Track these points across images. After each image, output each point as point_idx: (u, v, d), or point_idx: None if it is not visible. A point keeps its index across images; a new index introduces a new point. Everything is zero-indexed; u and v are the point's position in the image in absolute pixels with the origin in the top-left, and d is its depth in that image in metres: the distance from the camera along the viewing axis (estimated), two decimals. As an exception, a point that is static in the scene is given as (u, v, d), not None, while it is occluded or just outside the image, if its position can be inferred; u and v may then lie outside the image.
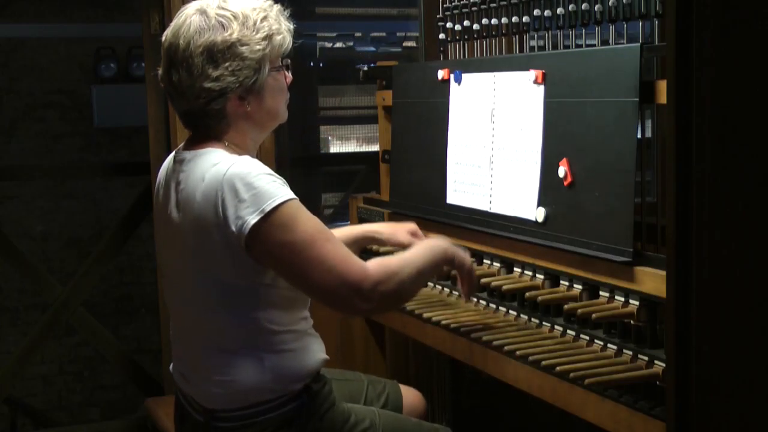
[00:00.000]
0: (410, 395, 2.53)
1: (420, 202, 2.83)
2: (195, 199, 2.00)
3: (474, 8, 2.72)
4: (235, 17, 2.05)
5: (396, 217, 2.96)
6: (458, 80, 2.67)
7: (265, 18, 2.08)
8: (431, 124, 2.79)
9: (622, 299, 2.06)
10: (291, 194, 1.98)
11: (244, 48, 2.04)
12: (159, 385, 4.73)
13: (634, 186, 2.04)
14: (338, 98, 6.74)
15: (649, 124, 2.14)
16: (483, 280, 2.46)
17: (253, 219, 1.93)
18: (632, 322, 2.02)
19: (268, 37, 2.08)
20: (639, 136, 2.07)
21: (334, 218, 6.30)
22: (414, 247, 2.21)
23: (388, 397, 2.43)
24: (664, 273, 1.80)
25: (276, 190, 1.96)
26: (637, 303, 2.01)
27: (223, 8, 2.06)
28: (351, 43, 6.48)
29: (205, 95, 2.03)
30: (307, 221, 1.98)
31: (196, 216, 2.00)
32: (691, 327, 1.65)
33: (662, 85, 1.97)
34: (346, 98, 6.73)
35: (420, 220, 2.83)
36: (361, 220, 3.21)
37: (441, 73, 2.74)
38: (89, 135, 6.36)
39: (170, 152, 3.93)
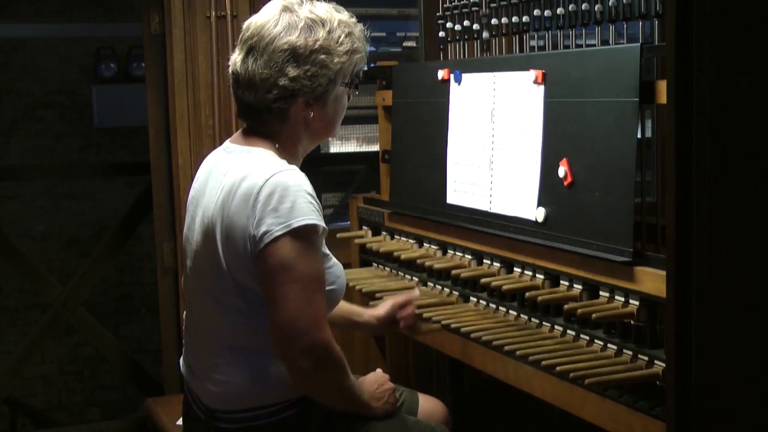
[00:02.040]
0: (429, 404, 2.46)
1: (420, 202, 2.83)
2: (234, 194, 2.01)
3: (474, 8, 2.73)
4: (323, 24, 2.09)
5: (396, 216, 2.96)
6: (458, 80, 2.67)
7: (349, 34, 2.13)
8: (431, 124, 2.79)
9: (622, 299, 2.05)
10: (322, 223, 2.00)
11: (325, 56, 2.08)
12: (159, 385, 4.72)
13: (634, 186, 2.04)
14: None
15: (649, 124, 2.14)
16: (483, 280, 2.46)
17: (278, 231, 1.95)
18: (632, 322, 2.02)
19: (349, 53, 2.12)
20: (639, 136, 2.07)
21: (334, 218, 6.30)
22: (365, 384, 2.19)
23: (402, 404, 2.41)
24: (664, 273, 1.80)
25: (310, 213, 1.98)
26: (637, 303, 2.01)
27: (312, 12, 2.10)
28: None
29: (276, 92, 2.06)
30: (317, 261, 2.00)
31: (229, 215, 2.01)
32: (691, 327, 1.65)
33: (662, 85, 1.97)
34: (346, 98, 6.72)
35: (420, 219, 2.83)
36: (361, 220, 3.21)
37: (441, 73, 2.74)
38: (89, 135, 6.36)
39: (170, 152, 3.95)
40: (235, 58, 2.12)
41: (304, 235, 1.96)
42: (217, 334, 2.08)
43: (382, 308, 2.51)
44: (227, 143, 2.18)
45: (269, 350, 2.05)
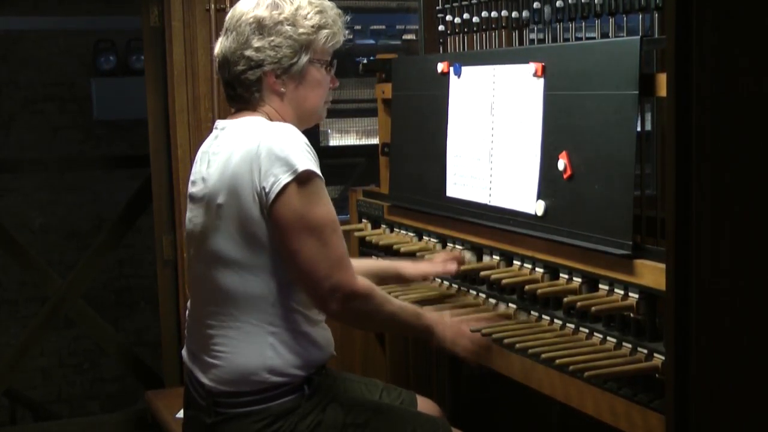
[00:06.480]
0: (426, 405, 2.49)
1: (419, 195, 2.83)
2: (232, 158, 2.05)
3: (474, 1, 2.72)
4: (291, 2, 2.16)
5: (395, 209, 2.97)
6: (458, 73, 2.66)
7: (320, 11, 2.19)
8: (431, 117, 2.79)
9: (622, 292, 2.06)
10: (319, 172, 2.05)
11: (289, 27, 2.14)
12: (159, 377, 4.72)
13: (634, 179, 2.04)
14: (338, 91, 6.73)
15: (648, 117, 2.14)
16: (482, 273, 2.46)
17: (286, 178, 2.00)
18: (631, 314, 2.02)
19: (317, 27, 2.18)
20: (639, 129, 2.07)
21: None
22: (413, 306, 2.27)
23: (402, 403, 2.42)
24: (663, 266, 1.81)
25: (309, 162, 2.03)
26: (636, 296, 2.01)
27: None
28: (350, 36, 6.47)
29: (244, 63, 2.13)
30: (324, 204, 2.05)
31: (231, 175, 2.04)
32: (691, 320, 1.65)
33: (662, 78, 1.97)
34: (346, 91, 6.71)
35: (419, 212, 2.83)
36: (361, 213, 3.21)
37: (441, 66, 2.73)
38: (88, 128, 6.35)
39: (170, 145, 3.95)
40: (217, 44, 2.21)
41: (308, 180, 2.02)
42: (221, 305, 2.09)
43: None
44: (217, 122, 2.23)
45: (274, 320, 2.07)
